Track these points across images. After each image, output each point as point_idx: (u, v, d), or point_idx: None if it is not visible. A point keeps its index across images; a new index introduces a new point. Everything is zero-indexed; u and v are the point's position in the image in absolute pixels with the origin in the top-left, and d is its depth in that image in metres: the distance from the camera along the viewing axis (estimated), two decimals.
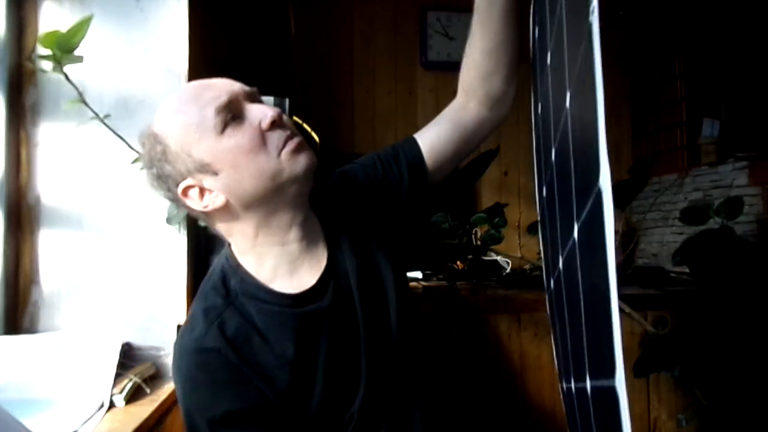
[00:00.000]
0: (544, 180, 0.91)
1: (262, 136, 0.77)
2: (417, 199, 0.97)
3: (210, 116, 0.75)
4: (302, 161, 0.78)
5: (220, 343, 0.78)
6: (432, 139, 0.97)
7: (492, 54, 0.92)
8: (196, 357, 0.79)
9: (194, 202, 0.80)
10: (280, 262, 0.83)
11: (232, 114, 0.77)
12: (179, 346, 0.82)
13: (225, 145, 0.76)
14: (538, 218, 1.08)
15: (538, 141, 0.98)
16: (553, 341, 0.94)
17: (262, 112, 0.78)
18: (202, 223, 1.25)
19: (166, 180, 0.80)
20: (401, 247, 0.93)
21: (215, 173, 0.77)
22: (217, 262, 0.89)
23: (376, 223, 0.93)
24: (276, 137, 0.78)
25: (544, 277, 1.02)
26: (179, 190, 0.79)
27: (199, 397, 0.79)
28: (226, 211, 0.80)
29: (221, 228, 0.85)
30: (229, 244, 0.87)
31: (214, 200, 0.79)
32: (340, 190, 0.95)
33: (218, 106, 0.76)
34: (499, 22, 0.90)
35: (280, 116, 0.78)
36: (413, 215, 1.01)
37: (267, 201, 0.80)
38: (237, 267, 0.85)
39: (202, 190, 0.79)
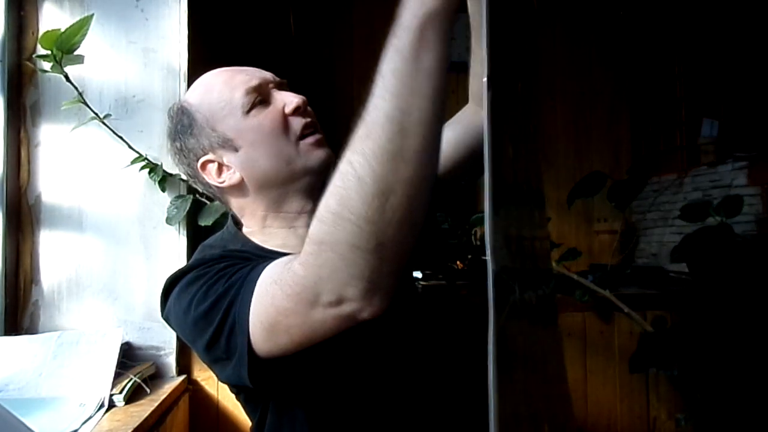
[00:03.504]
0: None
1: (285, 120, 0.81)
2: None
3: (239, 96, 0.80)
4: (319, 155, 0.82)
5: (222, 251, 0.76)
6: (441, 141, 0.97)
7: None
8: (199, 267, 0.73)
9: (211, 177, 0.83)
10: (287, 242, 0.84)
11: (260, 97, 0.81)
12: (174, 276, 0.75)
13: (249, 124, 0.80)
14: None
15: None
16: None
17: (288, 98, 0.82)
18: (202, 223, 1.25)
19: (187, 153, 0.84)
20: None
21: (236, 150, 0.81)
22: (215, 236, 0.90)
23: None
24: (297, 123, 0.81)
25: None
26: (199, 163, 0.83)
27: (203, 284, 0.70)
28: (240, 189, 0.83)
29: (234, 205, 0.87)
30: (233, 219, 0.89)
31: (230, 177, 0.82)
32: None
33: (248, 88, 0.80)
34: None
35: (304, 104, 0.82)
36: None
37: (279, 185, 0.82)
38: (237, 233, 0.86)
39: (220, 167, 0.82)
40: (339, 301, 0.59)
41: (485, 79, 0.46)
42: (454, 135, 0.97)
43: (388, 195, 0.54)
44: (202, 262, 0.74)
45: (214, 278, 0.70)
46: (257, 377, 0.67)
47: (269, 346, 0.65)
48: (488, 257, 0.40)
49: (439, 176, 0.96)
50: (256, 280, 0.66)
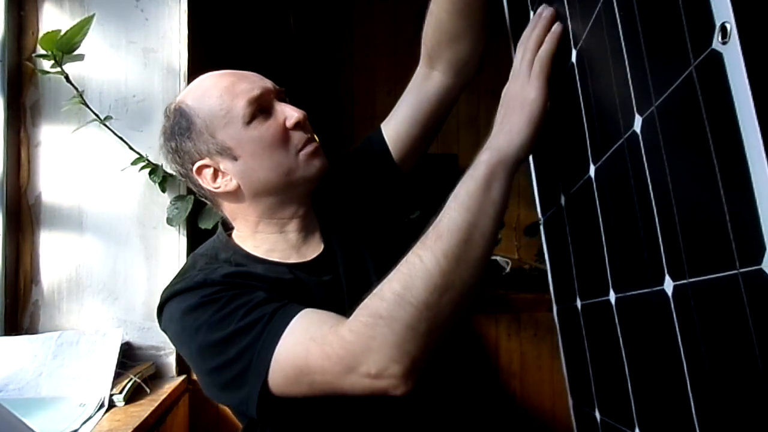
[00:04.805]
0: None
1: (285, 134, 0.81)
2: (392, 188, 0.97)
3: (241, 106, 0.80)
4: (316, 165, 0.83)
5: (223, 277, 0.76)
6: (394, 125, 0.95)
7: (461, 14, 0.82)
8: (202, 289, 0.74)
9: (206, 182, 0.83)
10: (276, 247, 0.85)
11: (261, 107, 0.81)
12: (171, 292, 0.77)
13: (249, 135, 0.80)
14: None
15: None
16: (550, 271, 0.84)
17: (289, 111, 0.82)
18: (202, 226, 1.25)
19: (182, 155, 0.83)
20: (390, 240, 0.89)
21: (234, 158, 0.81)
22: (206, 244, 0.90)
23: (360, 218, 0.93)
24: (297, 137, 0.82)
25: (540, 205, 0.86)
26: (194, 167, 0.82)
27: (214, 313, 0.72)
28: (235, 195, 0.83)
29: (226, 209, 0.87)
30: (223, 226, 0.89)
31: (226, 183, 0.82)
32: (329, 189, 0.95)
33: (250, 98, 0.80)
34: None
35: (305, 118, 0.83)
36: (395, 205, 1.01)
37: (275, 193, 0.83)
38: (228, 241, 0.86)
39: (216, 172, 0.82)
40: (379, 375, 0.63)
41: (729, 23, 0.29)
42: (409, 113, 0.94)
43: (448, 288, 0.63)
44: (203, 284, 0.74)
45: (226, 308, 0.72)
46: (263, 411, 0.70)
47: (284, 391, 0.69)
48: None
49: (401, 159, 0.95)
50: (283, 327, 0.68)
